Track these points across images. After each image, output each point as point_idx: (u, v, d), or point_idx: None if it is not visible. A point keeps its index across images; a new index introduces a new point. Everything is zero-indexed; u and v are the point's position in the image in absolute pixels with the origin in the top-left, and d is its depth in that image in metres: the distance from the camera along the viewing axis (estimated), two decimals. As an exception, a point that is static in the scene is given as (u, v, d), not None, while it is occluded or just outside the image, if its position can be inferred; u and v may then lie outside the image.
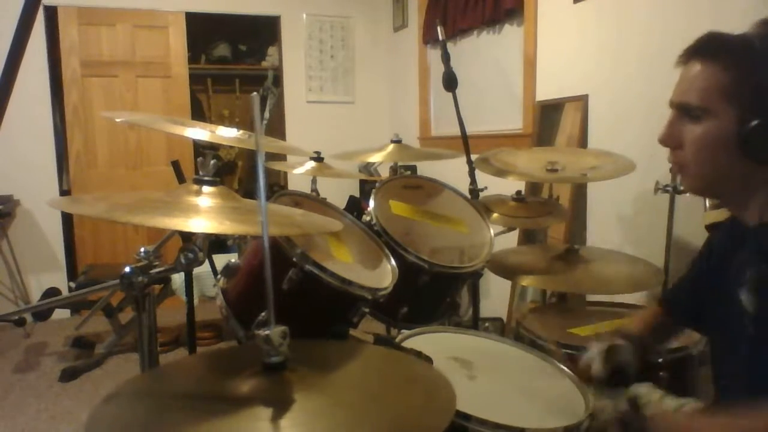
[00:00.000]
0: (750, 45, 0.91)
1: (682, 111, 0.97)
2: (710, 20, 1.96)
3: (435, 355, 1.08)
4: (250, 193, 4.60)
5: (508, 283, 2.90)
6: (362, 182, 4.27)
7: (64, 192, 4.23)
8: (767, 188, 0.95)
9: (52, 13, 4.08)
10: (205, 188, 1.06)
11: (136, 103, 4.32)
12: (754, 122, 0.89)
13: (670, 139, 0.99)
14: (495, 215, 2.03)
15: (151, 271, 1.06)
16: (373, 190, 1.65)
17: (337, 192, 4.10)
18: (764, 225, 0.95)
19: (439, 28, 2.20)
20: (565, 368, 1.28)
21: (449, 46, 2.22)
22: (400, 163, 2.84)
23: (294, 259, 1.15)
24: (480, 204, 1.90)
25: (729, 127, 0.92)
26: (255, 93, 0.89)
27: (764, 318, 0.90)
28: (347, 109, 4.81)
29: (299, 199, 1.48)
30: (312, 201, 1.54)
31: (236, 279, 1.29)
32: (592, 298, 2.08)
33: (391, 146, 2.33)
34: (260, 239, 0.83)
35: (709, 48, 0.95)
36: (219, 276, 1.33)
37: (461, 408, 0.99)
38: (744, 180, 0.95)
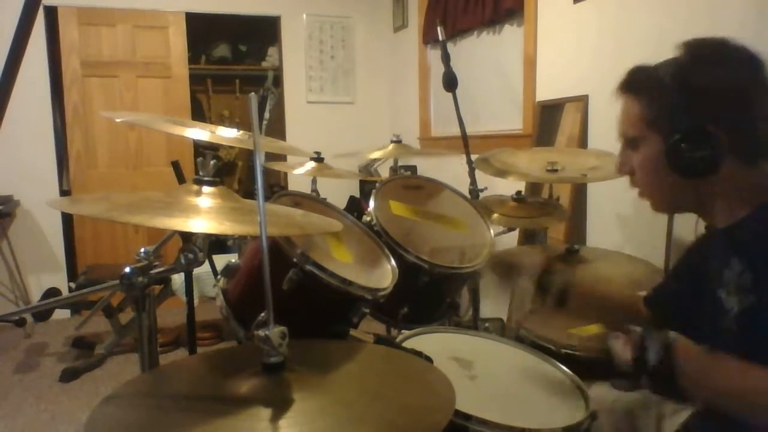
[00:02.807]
0: (657, 73, 1.00)
1: (625, 141, 1.08)
2: (709, 20, 1.95)
3: (435, 355, 1.08)
4: (250, 193, 4.60)
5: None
6: (362, 182, 4.27)
7: (64, 192, 4.23)
8: (726, 192, 0.99)
9: (52, 13, 4.08)
10: (205, 188, 1.06)
11: (136, 103, 4.32)
12: (673, 139, 0.96)
13: (623, 168, 1.09)
14: (495, 215, 2.03)
15: (151, 272, 1.06)
16: (373, 191, 1.65)
17: (337, 192, 4.10)
18: (732, 226, 0.99)
19: (439, 29, 2.20)
20: (564, 368, 1.28)
21: (449, 46, 2.23)
22: (400, 163, 2.84)
23: (294, 260, 1.15)
24: (480, 204, 1.90)
25: (659, 149, 1.00)
26: (252, 93, 0.89)
27: (747, 315, 0.93)
28: (347, 109, 4.81)
29: (299, 200, 1.48)
30: (312, 201, 1.54)
31: (236, 279, 1.29)
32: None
33: (391, 146, 2.33)
34: (260, 239, 0.83)
35: (629, 83, 1.05)
36: (219, 276, 1.33)
37: (461, 408, 0.99)
38: (696, 192, 1.01)
